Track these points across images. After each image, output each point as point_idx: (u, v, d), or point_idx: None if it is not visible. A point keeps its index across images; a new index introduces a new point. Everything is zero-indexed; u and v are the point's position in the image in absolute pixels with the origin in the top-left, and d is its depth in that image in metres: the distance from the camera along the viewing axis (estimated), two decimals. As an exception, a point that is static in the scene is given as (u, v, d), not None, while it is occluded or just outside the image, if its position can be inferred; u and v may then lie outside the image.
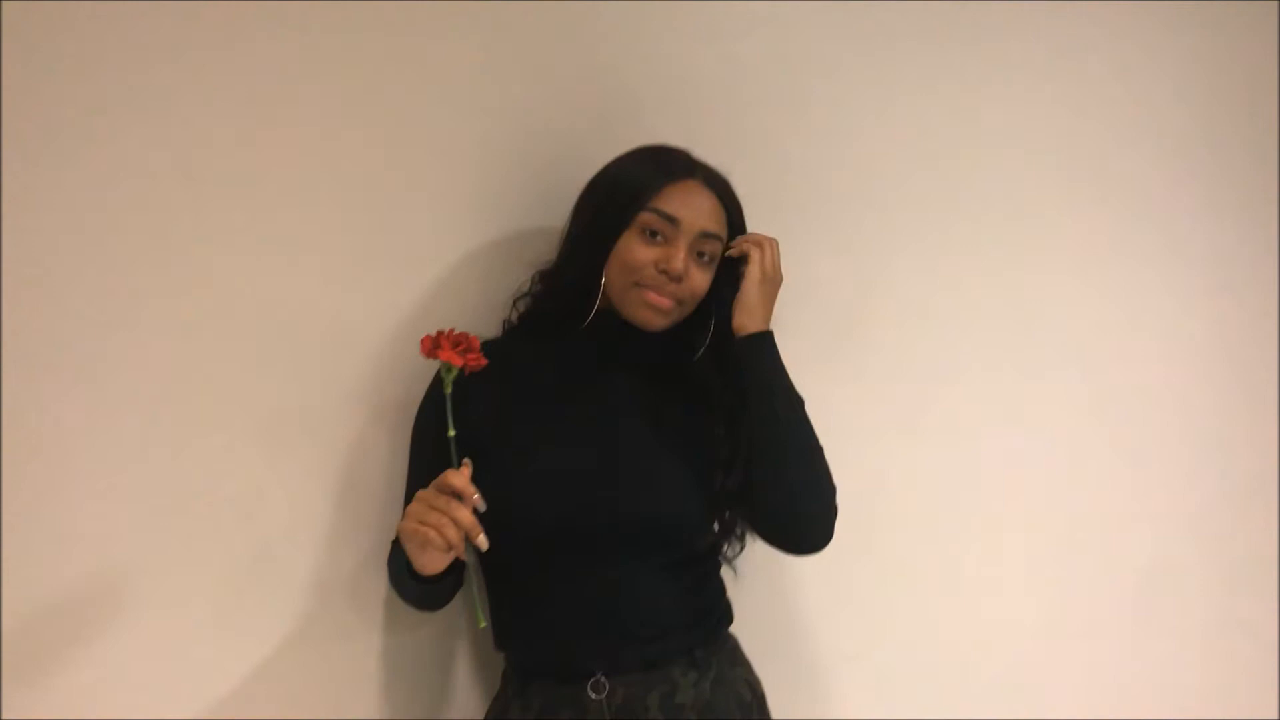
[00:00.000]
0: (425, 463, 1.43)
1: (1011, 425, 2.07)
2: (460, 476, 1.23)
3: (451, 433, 1.24)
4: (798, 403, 1.46)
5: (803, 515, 1.44)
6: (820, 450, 1.45)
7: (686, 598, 1.44)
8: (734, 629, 1.54)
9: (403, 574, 1.34)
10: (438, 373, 1.46)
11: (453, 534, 1.20)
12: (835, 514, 1.45)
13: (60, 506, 1.31)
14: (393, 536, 1.49)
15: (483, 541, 1.22)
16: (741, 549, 1.59)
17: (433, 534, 1.20)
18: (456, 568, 1.32)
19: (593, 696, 1.37)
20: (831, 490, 1.45)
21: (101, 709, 1.36)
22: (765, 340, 1.46)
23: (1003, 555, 2.08)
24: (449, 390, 1.24)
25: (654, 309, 1.41)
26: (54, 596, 1.32)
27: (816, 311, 1.85)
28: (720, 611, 1.50)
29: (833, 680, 1.90)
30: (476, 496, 1.23)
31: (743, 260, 1.47)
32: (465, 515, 1.21)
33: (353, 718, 1.52)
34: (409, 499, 1.45)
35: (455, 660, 1.60)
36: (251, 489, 1.44)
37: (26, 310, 1.27)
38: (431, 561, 1.27)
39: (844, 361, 1.87)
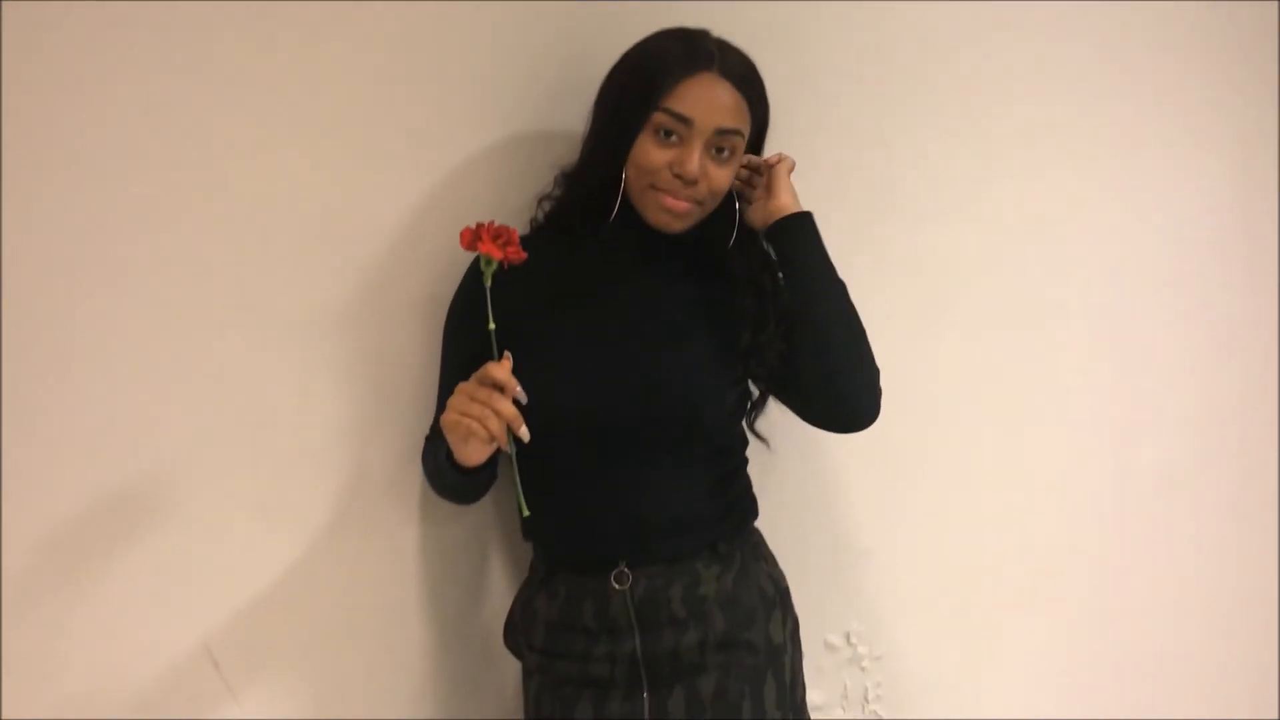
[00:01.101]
0: (458, 357, 1.46)
1: (1029, 325, 2.05)
2: (501, 369, 1.25)
3: (492, 326, 1.26)
4: (840, 283, 1.48)
5: (850, 392, 1.47)
6: (863, 330, 1.47)
7: (711, 492, 1.46)
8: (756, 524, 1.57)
9: (442, 466, 1.37)
10: (470, 268, 1.48)
11: (495, 425, 1.23)
12: (880, 392, 1.48)
13: (104, 406, 1.36)
14: (427, 432, 1.53)
15: (524, 433, 1.25)
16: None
17: (475, 425, 1.23)
18: (493, 461, 1.35)
19: (616, 587, 1.41)
20: (875, 369, 1.48)
21: (151, 600, 1.43)
22: (807, 220, 1.47)
23: (1020, 455, 2.09)
24: (488, 284, 1.26)
25: (670, 213, 1.40)
26: (103, 493, 1.39)
27: (840, 203, 1.83)
28: (745, 507, 1.53)
29: (848, 575, 1.93)
30: (518, 389, 1.25)
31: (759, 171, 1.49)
32: (507, 407, 1.24)
33: (391, 606, 1.58)
34: (442, 394, 1.50)
35: (487, 551, 1.65)
36: (289, 388, 1.48)
37: (58, 216, 1.30)
38: (474, 453, 1.29)
39: (867, 253, 1.85)
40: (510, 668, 1.60)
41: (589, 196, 1.44)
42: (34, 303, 1.30)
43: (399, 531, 1.58)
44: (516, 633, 1.52)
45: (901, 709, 2.01)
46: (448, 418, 1.27)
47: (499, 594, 1.65)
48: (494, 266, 1.25)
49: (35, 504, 1.35)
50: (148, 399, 1.40)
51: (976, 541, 2.05)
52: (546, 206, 1.53)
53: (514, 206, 1.57)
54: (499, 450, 1.31)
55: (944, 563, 2.02)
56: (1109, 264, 2.11)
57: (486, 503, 1.59)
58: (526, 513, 1.31)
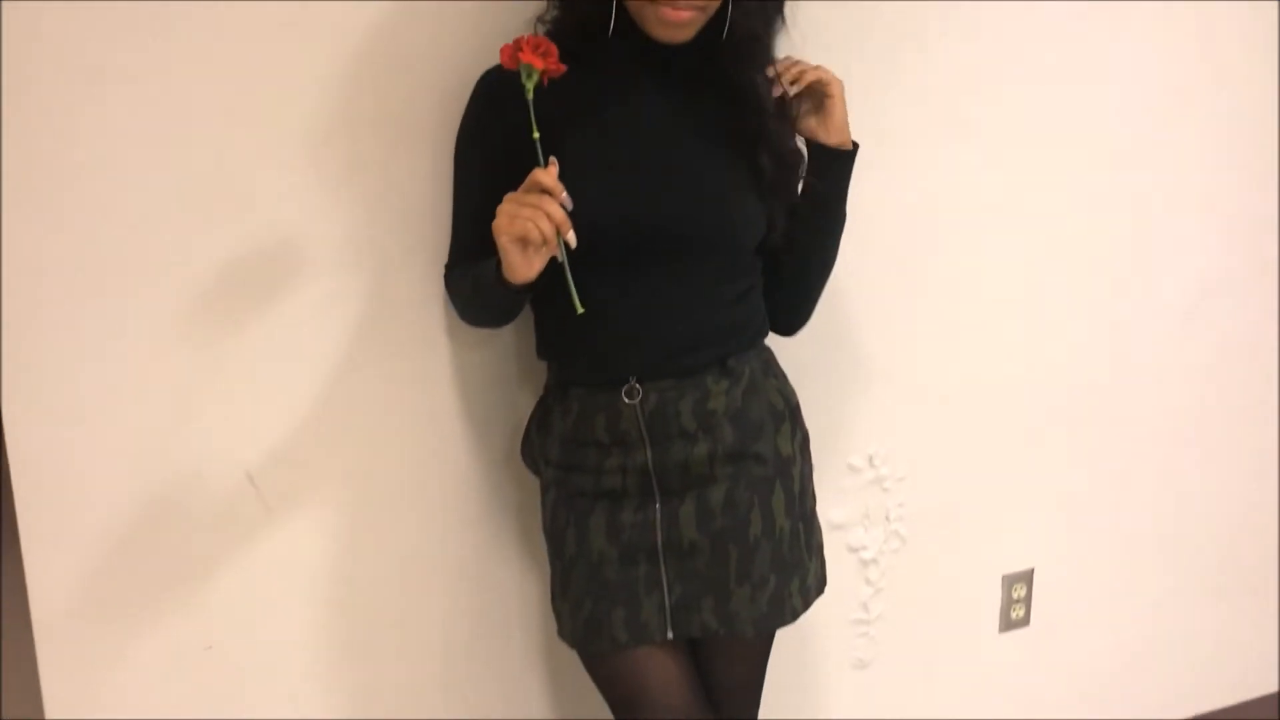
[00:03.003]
0: (475, 180, 1.47)
1: (1052, 145, 2.01)
2: (548, 174, 1.27)
3: (535, 134, 1.27)
4: (842, 220, 1.57)
5: (796, 319, 1.64)
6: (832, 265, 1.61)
7: (725, 309, 1.48)
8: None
9: (488, 285, 1.38)
10: (475, 94, 1.47)
11: (547, 227, 1.25)
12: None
13: (128, 220, 1.41)
14: (445, 260, 1.56)
15: (572, 238, 1.28)
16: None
17: (530, 227, 1.25)
18: (531, 285, 1.36)
19: (627, 401, 1.44)
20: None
21: (188, 425, 1.50)
22: (852, 157, 1.53)
23: (1046, 280, 2.07)
24: (530, 96, 1.26)
25: (671, 25, 1.36)
26: (135, 323, 1.45)
27: (880, 23, 1.80)
28: (756, 325, 1.54)
29: (871, 398, 1.96)
30: (564, 194, 1.27)
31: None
32: (556, 210, 1.26)
33: (417, 424, 1.64)
34: (458, 223, 1.52)
35: (507, 372, 1.69)
36: (300, 217, 1.51)
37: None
38: (525, 265, 1.30)
39: (887, 70, 1.82)
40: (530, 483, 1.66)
41: (586, 15, 1.42)
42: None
43: (420, 357, 1.62)
44: (533, 449, 1.57)
45: (922, 529, 2.05)
46: (500, 222, 1.28)
47: (517, 411, 1.69)
48: (535, 78, 1.26)
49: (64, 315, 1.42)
50: (162, 231, 1.44)
51: (1000, 365, 2.05)
52: (542, 30, 1.51)
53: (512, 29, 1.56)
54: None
55: (967, 386, 2.03)
56: (1137, 77, 2.05)
57: (506, 329, 1.63)
58: (581, 310, 1.32)
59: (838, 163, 1.53)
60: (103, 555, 1.49)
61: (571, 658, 1.60)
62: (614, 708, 1.53)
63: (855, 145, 1.54)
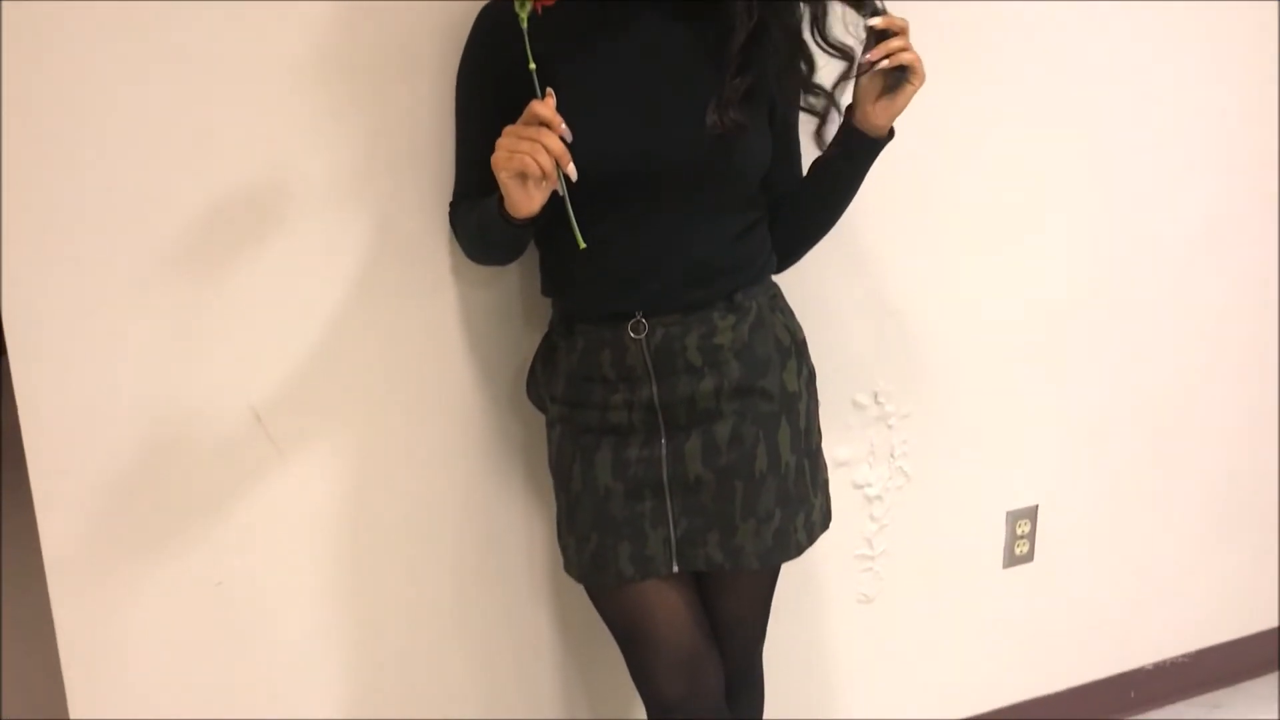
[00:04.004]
0: (477, 113, 1.46)
1: (1064, 75, 1.99)
2: (546, 106, 1.25)
3: (532, 65, 1.26)
4: (854, 193, 1.56)
5: (789, 258, 1.62)
6: None
7: (732, 243, 1.47)
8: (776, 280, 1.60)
9: (491, 221, 1.37)
10: (475, 28, 1.45)
11: (545, 160, 1.24)
12: None
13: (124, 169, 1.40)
14: (449, 199, 1.56)
15: (572, 170, 1.27)
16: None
17: (528, 160, 1.24)
18: (534, 220, 1.35)
19: (633, 336, 1.43)
20: None
21: (194, 362, 1.51)
22: (885, 144, 1.49)
23: (1051, 213, 2.05)
24: (525, 25, 1.25)
25: None
26: (140, 262, 1.45)
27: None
28: (763, 260, 1.53)
29: (877, 336, 1.95)
30: (564, 126, 1.26)
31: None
32: (555, 142, 1.25)
33: (423, 362, 1.64)
34: (462, 158, 1.51)
35: (512, 310, 1.69)
36: (302, 154, 1.50)
37: None
38: (525, 199, 1.29)
39: None
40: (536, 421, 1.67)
41: None
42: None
43: (431, 293, 1.62)
44: (538, 386, 1.57)
45: (927, 466, 2.06)
46: (498, 157, 1.27)
47: (522, 348, 1.69)
48: (528, 7, 1.25)
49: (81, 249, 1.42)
50: (166, 166, 1.44)
51: (1006, 301, 2.05)
52: None
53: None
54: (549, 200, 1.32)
55: (972, 322, 2.03)
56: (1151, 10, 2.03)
57: (512, 267, 1.62)
58: (583, 244, 1.31)
59: (873, 147, 1.48)
60: (111, 493, 1.50)
61: (578, 593, 1.62)
62: (620, 641, 1.54)
63: (892, 132, 1.49)
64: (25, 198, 1.38)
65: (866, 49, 1.41)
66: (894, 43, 1.38)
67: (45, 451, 1.46)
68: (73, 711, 1.55)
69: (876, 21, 1.39)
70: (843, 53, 1.46)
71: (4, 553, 3.22)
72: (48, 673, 1.65)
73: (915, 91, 1.42)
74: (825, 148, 1.54)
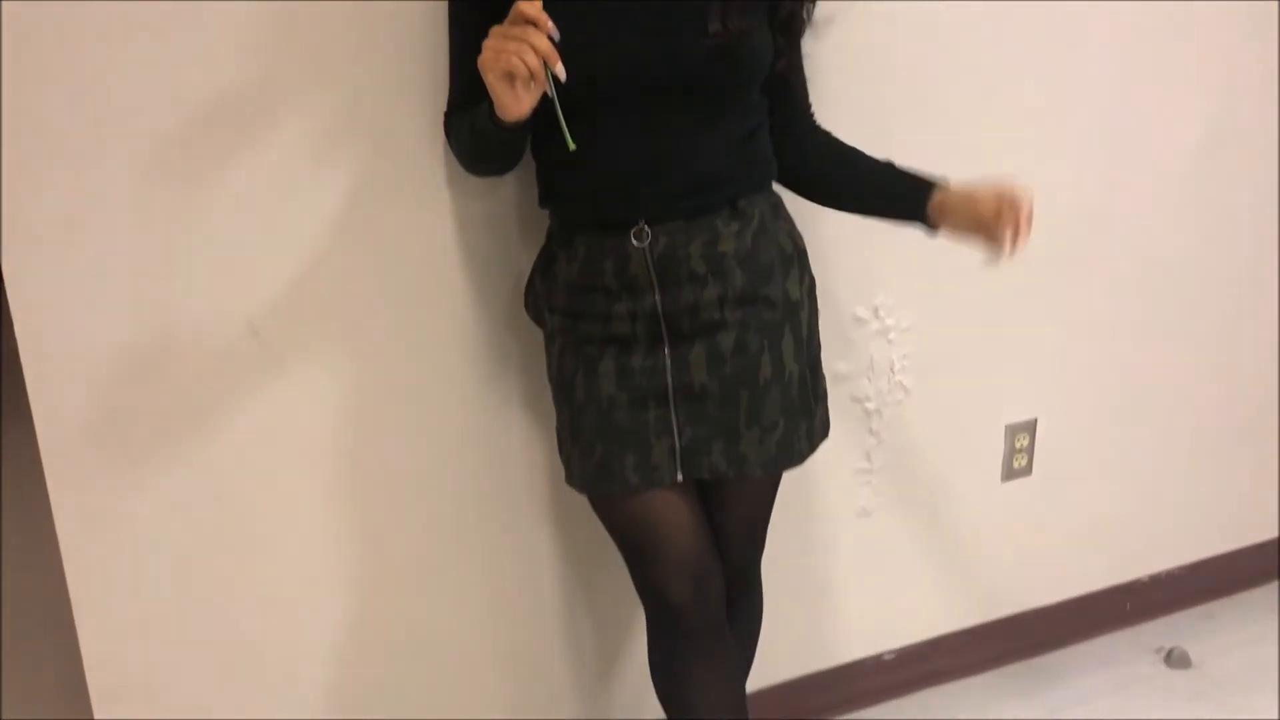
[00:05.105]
0: (469, 15, 1.42)
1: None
2: (532, 6, 1.22)
3: None
4: None
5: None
6: None
7: (735, 149, 1.44)
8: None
9: (483, 127, 1.35)
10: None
11: (533, 60, 1.22)
12: None
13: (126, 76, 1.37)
14: (444, 108, 1.53)
15: (561, 69, 1.24)
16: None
17: (515, 60, 1.22)
18: (527, 124, 1.33)
19: (635, 244, 1.41)
20: None
21: (189, 272, 1.49)
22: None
23: (1053, 120, 2.03)
24: None
25: None
26: (134, 172, 1.42)
27: None
28: (765, 166, 1.51)
29: (876, 249, 1.93)
30: (550, 25, 1.23)
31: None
32: (542, 41, 1.22)
33: (419, 275, 1.63)
34: (456, 69, 1.48)
35: (509, 224, 1.67)
36: (293, 65, 1.47)
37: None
38: (514, 101, 1.27)
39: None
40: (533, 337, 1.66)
41: None
42: None
43: (426, 205, 1.60)
44: (537, 297, 1.55)
45: (926, 380, 2.05)
46: (485, 58, 1.25)
47: (519, 263, 1.67)
48: None
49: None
50: (161, 68, 1.41)
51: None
52: None
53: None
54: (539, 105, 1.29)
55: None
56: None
57: (508, 180, 1.60)
58: (572, 146, 1.29)
59: (916, 224, 1.55)
60: (108, 403, 1.49)
61: (578, 507, 1.62)
62: (625, 550, 1.55)
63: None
64: (18, 101, 1.35)
65: None
66: (1017, 237, 1.45)
67: (42, 361, 1.45)
68: (78, 618, 1.55)
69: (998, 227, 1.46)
70: None
71: (5, 463, 3.25)
72: (50, 582, 1.66)
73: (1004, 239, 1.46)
74: (891, 177, 1.57)
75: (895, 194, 1.55)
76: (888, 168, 1.56)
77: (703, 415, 1.45)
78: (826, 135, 1.60)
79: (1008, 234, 1.44)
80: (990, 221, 1.45)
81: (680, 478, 1.47)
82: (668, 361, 1.44)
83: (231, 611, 1.64)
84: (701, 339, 1.44)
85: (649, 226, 1.41)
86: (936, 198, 1.51)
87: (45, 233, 1.41)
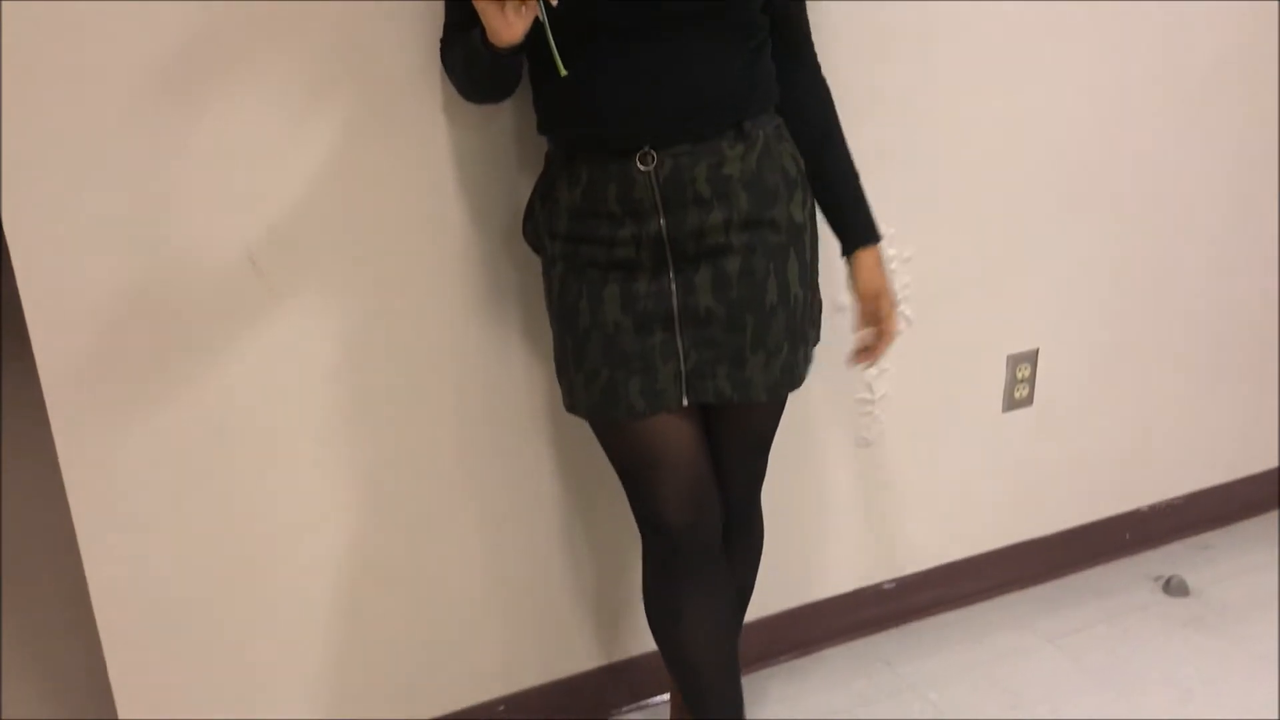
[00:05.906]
0: None
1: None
2: None
3: None
4: None
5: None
6: None
7: (738, 71, 1.42)
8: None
9: (477, 52, 1.34)
10: None
11: None
12: None
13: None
14: (440, 35, 1.51)
15: None
16: None
17: None
18: (521, 48, 1.31)
19: (640, 168, 1.40)
20: None
21: (189, 206, 1.47)
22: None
23: (1057, 51, 2.01)
24: None
25: None
26: (138, 114, 1.40)
27: None
28: (768, 88, 1.48)
29: (877, 179, 1.88)
30: None
31: None
32: None
33: (418, 204, 1.61)
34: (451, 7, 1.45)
35: (506, 153, 1.65)
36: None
37: None
38: (505, 25, 1.25)
39: None
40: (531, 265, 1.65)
41: None
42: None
43: (422, 134, 1.58)
44: (536, 223, 1.53)
45: (928, 310, 2.05)
46: None
47: (518, 190, 1.66)
48: None
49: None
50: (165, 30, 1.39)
51: (1007, 143, 2.01)
52: None
53: None
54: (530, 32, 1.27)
55: (974, 165, 2.00)
56: None
57: (505, 108, 1.59)
58: (564, 72, 1.27)
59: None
60: (107, 329, 1.48)
61: (577, 432, 1.61)
62: (626, 474, 1.54)
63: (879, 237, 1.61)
64: (19, 19, 1.34)
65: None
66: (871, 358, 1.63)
67: (40, 288, 1.44)
68: (81, 539, 1.55)
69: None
70: None
71: (4, 391, 3.25)
72: (51, 507, 1.65)
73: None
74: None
75: (836, 214, 1.60)
76: (846, 185, 1.60)
77: (708, 339, 1.45)
78: (824, 88, 1.57)
79: (882, 346, 1.62)
80: (882, 317, 1.61)
81: (685, 402, 1.47)
82: (673, 286, 1.43)
83: (229, 537, 1.64)
84: (707, 263, 1.43)
85: (654, 150, 1.39)
86: (860, 255, 1.59)
87: (41, 171, 1.39)
